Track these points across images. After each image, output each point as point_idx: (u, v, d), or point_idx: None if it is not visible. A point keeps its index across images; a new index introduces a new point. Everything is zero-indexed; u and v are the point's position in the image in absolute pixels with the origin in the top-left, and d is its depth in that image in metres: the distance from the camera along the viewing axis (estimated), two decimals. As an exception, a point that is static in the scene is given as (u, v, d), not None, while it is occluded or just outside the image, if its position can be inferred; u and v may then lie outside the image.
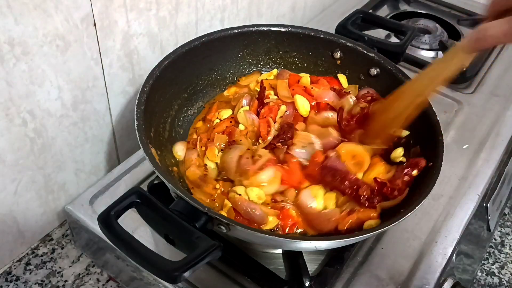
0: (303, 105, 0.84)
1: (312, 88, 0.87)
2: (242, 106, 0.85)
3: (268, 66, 0.94)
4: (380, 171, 0.75)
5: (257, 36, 0.90)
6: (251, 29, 0.89)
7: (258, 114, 0.83)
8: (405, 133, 0.81)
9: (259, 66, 0.94)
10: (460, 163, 0.93)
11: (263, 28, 0.90)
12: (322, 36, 0.90)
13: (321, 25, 1.21)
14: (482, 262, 1.31)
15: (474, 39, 0.59)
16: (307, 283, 0.70)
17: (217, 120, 0.85)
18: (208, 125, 0.85)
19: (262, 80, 0.90)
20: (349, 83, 0.92)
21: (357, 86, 0.91)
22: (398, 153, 0.78)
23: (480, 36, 0.58)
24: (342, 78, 0.91)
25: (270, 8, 1.15)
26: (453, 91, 1.09)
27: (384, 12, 1.36)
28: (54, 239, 0.86)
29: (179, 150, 0.80)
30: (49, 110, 0.74)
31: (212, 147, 0.78)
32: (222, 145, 0.79)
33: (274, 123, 0.81)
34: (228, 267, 0.73)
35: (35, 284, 0.80)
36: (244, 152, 0.76)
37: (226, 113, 0.85)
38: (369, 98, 0.85)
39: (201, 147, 0.79)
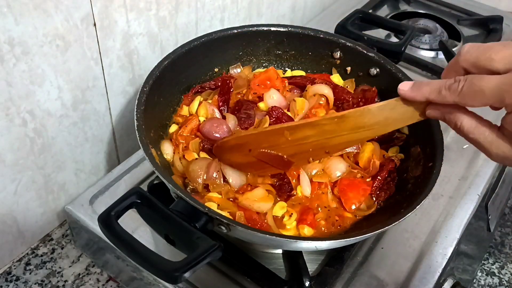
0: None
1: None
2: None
3: (267, 66, 0.94)
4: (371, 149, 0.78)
5: (257, 36, 0.90)
6: (251, 29, 0.89)
7: (223, 107, 0.83)
8: (404, 130, 0.82)
9: (259, 66, 0.94)
10: (460, 163, 0.93)
11: (263, 28, 0.89)
12: (321, 36, 0.90)
13: (321, 25, 1.21)
14: (482, 262, 1.30)
15: (411, 86, 0.58)
16: (307, 283, 0.70)
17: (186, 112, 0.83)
18: (181, 120, 0.82)
19: (224, 72, 0.89)
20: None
21: (353, 79, 0.90)
22: (394, 152, 0.81)
23: (416, 85, 0.57)
24: (336, 78, 0.91)
25: (270, 8, 1.15)
26: (453, 91, 1.09)
27: (384, 12, 1.36)
28: (54, 239, 0.86)
29: (167, 149, 0.76)
30: (49, 110, 0.74)
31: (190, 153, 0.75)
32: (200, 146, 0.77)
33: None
34: (228, 267, 0.73)
35: (35, 284, 0.80)
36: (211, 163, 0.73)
37: (195, 104, 0.83)
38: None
39: (182, 154, 0.76)
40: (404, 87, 0.59)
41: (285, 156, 0.70)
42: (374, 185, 0.75)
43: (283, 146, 0.69)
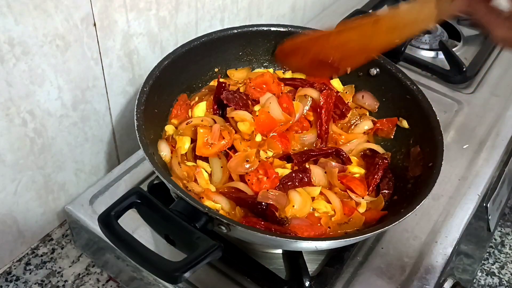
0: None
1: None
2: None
3: (268, 66, 0.94)
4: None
5: (257, 36, 0.90)
6: (251, 29, 0.89)
7: (218, 111, 0.83)
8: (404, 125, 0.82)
9: (259, 66, 0.94)
10: (460, 163, 0.93)
11: (263, 28, 0.90)
12: (322, 36, 0.90)
13: (321, 25, 1.21)
14: (482, 262, 1.30)
15: None
16: (307, 283, 0.70)
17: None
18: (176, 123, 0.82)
19: (219, 76, 0.89)
20: (348, 83, 0.92)
21: (353, 85, 0.91)
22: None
23: None
24: (336, 82, 0.91)
25: (270, 8, 1.15)
26: (453, 91, 1.09)
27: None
28: (54, 239, 0.86)
29: (164, 149, 0.76)
30: (49, 110, 0.74)
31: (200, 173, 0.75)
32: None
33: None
34: (228, 267, 0.73)
35: (35, 284, 0.80)
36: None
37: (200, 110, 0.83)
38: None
39: (180, 158, 0.76)
40: None
41: (331, 59, 0.80)
42: (371, 186, 0.76)
43: (330, 51, 0.80)
